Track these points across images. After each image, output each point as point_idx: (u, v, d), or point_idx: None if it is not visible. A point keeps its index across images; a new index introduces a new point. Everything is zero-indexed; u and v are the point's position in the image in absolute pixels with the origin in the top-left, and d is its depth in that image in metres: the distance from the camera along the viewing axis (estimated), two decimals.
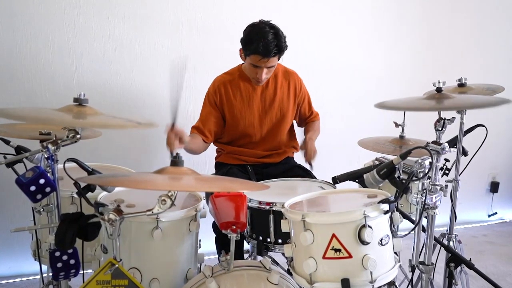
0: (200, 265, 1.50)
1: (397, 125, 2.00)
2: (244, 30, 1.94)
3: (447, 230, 1.97)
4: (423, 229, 1.45)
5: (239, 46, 2.00)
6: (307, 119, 2.29)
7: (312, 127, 2.23)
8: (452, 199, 1.90)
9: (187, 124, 2.22)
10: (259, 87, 2.09)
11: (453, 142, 1.78)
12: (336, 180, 1.53)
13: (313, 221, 1.22)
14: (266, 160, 2.18)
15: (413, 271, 1.48)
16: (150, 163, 2.61)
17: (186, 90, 2.63)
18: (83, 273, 1.37)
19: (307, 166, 2.11)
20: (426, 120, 1.71)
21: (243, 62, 2.10)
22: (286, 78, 2.14)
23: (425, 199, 1.34)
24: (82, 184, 1.21)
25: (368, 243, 1.19)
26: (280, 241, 1.59)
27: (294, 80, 2.16)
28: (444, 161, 1.85)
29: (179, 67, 1.51)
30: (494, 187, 3.66)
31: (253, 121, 2.10)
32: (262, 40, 1.83)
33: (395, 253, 1.32)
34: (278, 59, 1.96)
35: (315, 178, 2.06)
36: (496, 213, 3.71)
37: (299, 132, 2.29)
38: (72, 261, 1.24)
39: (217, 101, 2.08)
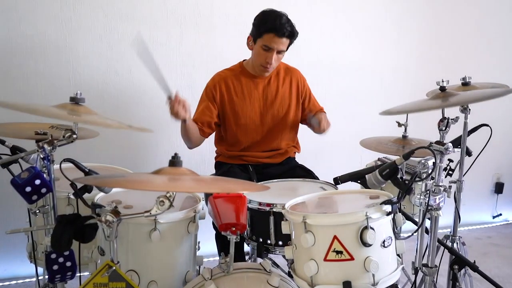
0: (199, 267, 1.49)
1: (400, 124, 1.99)
2: (256, 16, 1.96)
3: (450, 232, 1.96)
4: (427, 231, 1.44)
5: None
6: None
7: (323, 116, 2.10)
8: (456, 200, 1.89)
9: None
10: (261, 84, 2.07)
11: (457, 142, 1.77)
12: (338, 180, 1.51)
13: (314, 222, 1.21)
14: (267, 161, 2.16)
15: (416, 273, 1.46)
16: (147, 163, 2.59)
17: (185, 87, 2.60)
18: (80, 276, 1.36)
19: (306, 164, 2.07)
20: (430, 120, 1.69)
21: (245, 59, 2.08)
22: (289, 75, 2.13)
23: (428, 200, 1.33)
24: (79, 185, 1.19)
25: (370, 245, 1.18)
26: (280, 243, 1.58)
27: (297, 77, 2.14)
28: (448, 162, 1.84)
29: (140, 46, 1.47)
30: (498, 188, 3.62)
31: (254, 118, 2.08)
32: (278, 19, 1.88)
33: (398, 255, 1.30)
34: (287, 48, 1.96)
35: (317, 178, 2.04)
36: (500, 214, 3.67)
37: (299, 131, 2.27)
38: (68, 264, 1.23)
39: (216, 96, 2.05)
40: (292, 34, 1.91)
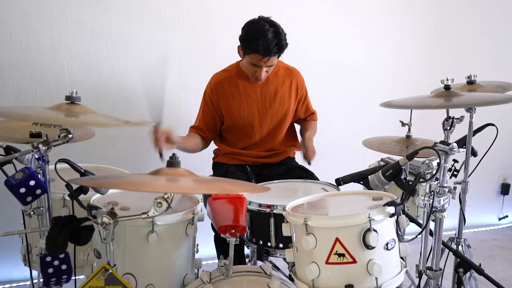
0: (198, 270, 1.48)
1: (403, 124, 1.97)
2: (243, 28, 1.91)
3: (455, 234, 1.95)
4: (431, 233, 1.43)
5: (238, 41, 1.97)
6: (305, 118, 2.25)
7: (310, 126, 2.20)
8: (461, 202, 1.88)
9: (185, 124, 2.18)
10: (258, 85, 2.06)
11: (462, 142, 1.76)
12: (340, 181, 1.51)
13: (316, 224, 1.20)
14: (265, 161, 2.14)
15: (420, 277, 1.45)
16: (145, 164, 2.56)
17: (183, 87, 2.59)
18: (75, 279, 1.35)
19: (306, 165, 2.07)
20: (434, 119, 1.68)
21: (241, 59, 2.07)
22: (288, 75, 2.11)
23: (432, 202, 1.32)
24: (74, 186, 1.18)
25: (373, 248, 1.16)
26: (281, 245, 1.56)
27: (296, 77, 2.12)
28: (453, 162, 1.83)
29: (160, 67, 1.46)
30: (504, 189, 3.59)
31: (252, 121, 2.06)
32: (262, 39, 1.80)
33: (402, 258, 1.29)
34: (278, 57, 1.94)
35: (318, 179, 2.02)
36: (507, 216, 3.64)
37: (298, 130, 2.25)
38: (64, 267, 1.24)
39: (214, 101, 2.05)
40: (280, 50, 1.85)
